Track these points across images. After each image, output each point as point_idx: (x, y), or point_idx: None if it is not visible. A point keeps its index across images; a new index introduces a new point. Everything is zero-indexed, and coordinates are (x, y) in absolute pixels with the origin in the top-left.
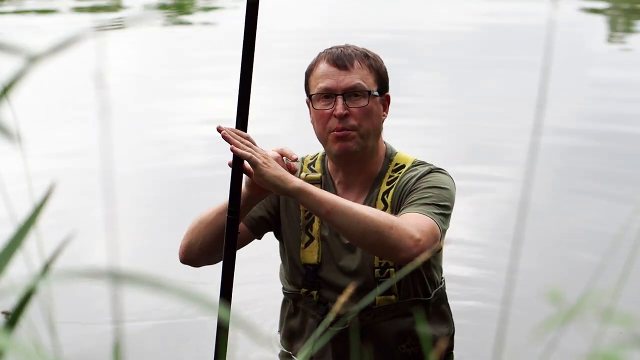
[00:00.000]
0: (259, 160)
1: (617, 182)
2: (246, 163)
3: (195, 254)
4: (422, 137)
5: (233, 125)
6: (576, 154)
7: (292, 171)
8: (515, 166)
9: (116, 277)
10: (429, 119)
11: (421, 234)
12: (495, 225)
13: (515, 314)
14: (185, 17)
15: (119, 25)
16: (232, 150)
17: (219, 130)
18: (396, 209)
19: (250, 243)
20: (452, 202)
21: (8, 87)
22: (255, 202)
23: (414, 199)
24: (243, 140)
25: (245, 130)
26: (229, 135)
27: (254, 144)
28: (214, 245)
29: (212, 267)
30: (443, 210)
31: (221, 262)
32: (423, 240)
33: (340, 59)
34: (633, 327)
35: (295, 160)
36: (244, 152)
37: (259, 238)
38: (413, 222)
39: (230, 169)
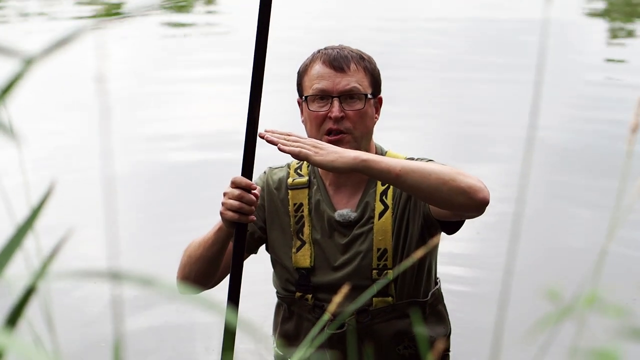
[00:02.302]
0: (310, 152)
1: (609, 181)
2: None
3: (193, 286)
4: (412, 137)
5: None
6: (568, 154)
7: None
8: (505, 165)
9: (118, 278)
10: (418, 119)
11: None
12: (490, 224)
13: (512, 313)
14: (185, 15)
15: (119, 17)
16: (280, 149)
17: (261, 136)
18: (398, 208)
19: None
20: None
21: (7, 89)
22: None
23: None
24: (287, 137)
25: (256, 128)
26: (272, 138)
27: (300, 137)
28: (208, 275)
29: None
30: None
31: (225, 277)
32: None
33: (337, 60)
34: (625, 319)
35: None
36: (291, 148)
37: (255, 253)
38: None
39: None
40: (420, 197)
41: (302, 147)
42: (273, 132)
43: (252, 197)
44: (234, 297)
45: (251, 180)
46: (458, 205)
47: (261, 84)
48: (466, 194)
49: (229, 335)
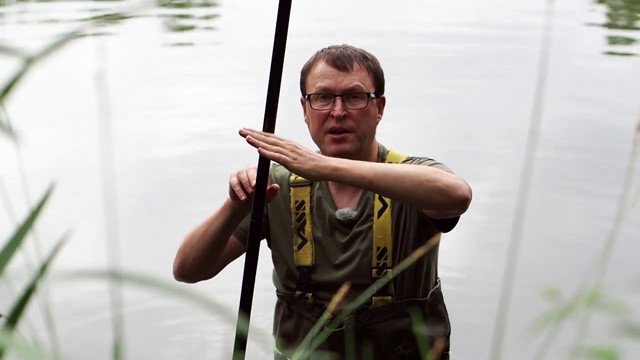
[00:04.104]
0: (289, 159)
1: (603, 182)
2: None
3: (188, 271)
4: (404, 139)
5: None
6: (562, 155)
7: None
8: (502, 160)
9: (118, 278)
10: (411, 121)
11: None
12: (488, 223)
13: (513, 312)
14: (185, 19)
15: (116, 17)
16: (260, 152)
17: (243, 134)
18: (396, 206)
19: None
20: None
21: (7, 89)
22: (244, 214)
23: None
24: (266, 139)
25: (272, 131)
26: (254, 140)
27: (279, 139)
28: (206, 259)
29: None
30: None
31: (220, 271)
32: (465, 181)
33: (340, 59)
34: (624, 316)
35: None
36: (272, 153)
37: None
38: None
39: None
40: (398, 199)
41: (281, 152)
42: (252, 132)
43: (248, 189)
44: (245, 304)
45: (266, 180)
46: (437, 204)
47: (278, 91)
48: (444, 193)
49: (240, 342)
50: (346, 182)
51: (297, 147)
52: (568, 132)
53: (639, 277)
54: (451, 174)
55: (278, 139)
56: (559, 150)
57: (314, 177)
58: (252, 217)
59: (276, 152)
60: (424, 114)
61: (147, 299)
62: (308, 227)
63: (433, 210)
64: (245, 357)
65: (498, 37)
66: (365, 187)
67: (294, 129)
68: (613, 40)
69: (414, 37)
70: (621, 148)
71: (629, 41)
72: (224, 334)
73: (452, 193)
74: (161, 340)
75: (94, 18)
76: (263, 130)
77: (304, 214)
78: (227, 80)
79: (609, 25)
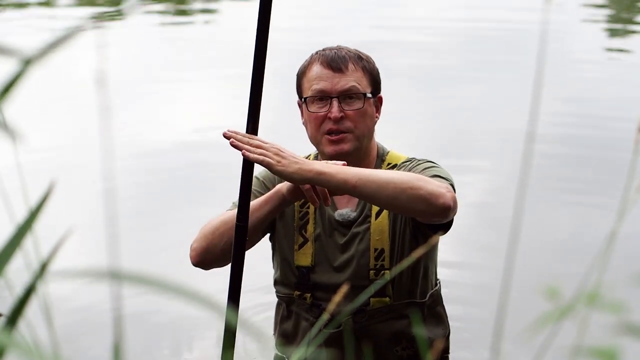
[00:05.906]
0: (272, 161)
1: (603, 181)
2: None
3: (214, 256)
4: (397, 138)
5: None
6: (555, 156)
7: None
8: (496, 161)
9: (118, 278)
10: (402, 120)
11: (446, 183)
12: (485, 224)
13: (512, 312)
14: (184, 15)
15: (115, 16)
16: (243, 155)
17: (227, 137)
18: None
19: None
20: (453, 181)
21: (6, 89)
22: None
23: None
24: (250, 142)
25: (256, 133)
26: (237, 143)
27: (263, 142)
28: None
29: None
30: (449, 179)
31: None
32: (450, 189)
33: (335, 61)
34: (623, 315)
35: None
36: (256, 156)
37: (260, 239)
38: (430, 178)
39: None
40: (381, 206)
41: (265, 155)
42: (236, 134)
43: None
44: (234, 296)
45: (250, 184)
46: (419, 212)
47: (261, 81)
48: (426, 201)
49: (229, 335)
50: (330, 186)
51: (280, 150)
52: (568, 130)
53: (639, 275)
54: (436, 181)
55: (262, 141)
56: (558, 147)
57: (297, 181)
58: (237, 220)
59: (260, 154)
60: (420, 112)
61: (147, 299)
62: (310, 227)
63: (414, 217)
64: (245, 357)
65: (496, 33)
66: (349, 192)
67: (291, 131)
68: (613, 35)
69: (409, 32)
70: (622, 147)
71: (628, 34)
72: (219, 335)
73: (434, 201)
74: (161, 341)
75: (92, 18)
76: (246, 133)
77: (307, 212)
78: (230, 77)
79: (609, 23)
